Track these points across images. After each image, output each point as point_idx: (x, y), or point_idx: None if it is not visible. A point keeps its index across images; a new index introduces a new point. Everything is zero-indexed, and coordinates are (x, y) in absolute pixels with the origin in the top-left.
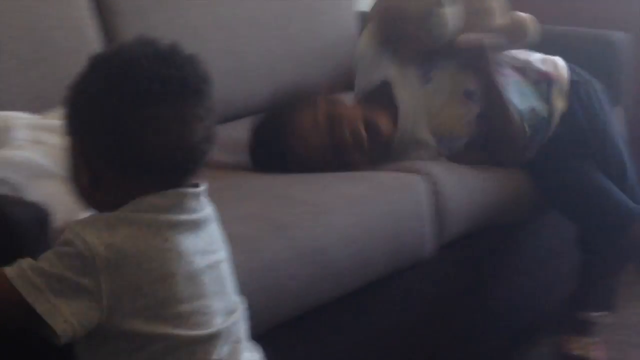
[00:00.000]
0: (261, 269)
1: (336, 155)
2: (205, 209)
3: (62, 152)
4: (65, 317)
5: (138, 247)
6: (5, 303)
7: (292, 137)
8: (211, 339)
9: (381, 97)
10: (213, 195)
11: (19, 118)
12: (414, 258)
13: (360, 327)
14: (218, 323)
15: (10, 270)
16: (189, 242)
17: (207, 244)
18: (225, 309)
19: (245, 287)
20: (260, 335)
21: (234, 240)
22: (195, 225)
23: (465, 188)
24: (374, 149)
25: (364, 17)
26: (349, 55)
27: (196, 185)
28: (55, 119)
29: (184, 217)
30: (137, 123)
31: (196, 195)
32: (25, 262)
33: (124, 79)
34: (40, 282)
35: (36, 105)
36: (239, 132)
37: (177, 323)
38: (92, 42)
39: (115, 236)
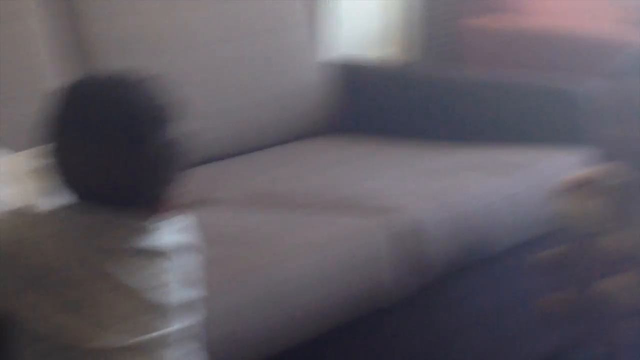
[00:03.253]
0: (220, 316)
1: None
2: (134, 243)
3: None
4: None
5: (43, 250)
6: None
7: None
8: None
9: None
10: None
11: None
12: (373, 306)
13: None
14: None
15: None
16: (98, 261)
17: (124, 272)
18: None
19: (209, 333)
20: None
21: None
22: (110, 251)
23: (443, 228)
24: None
25: (324, 68)
26: (310, 103)
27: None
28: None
29: (99, 240)
30: (56, 143)
31: (118, 225)
32: None
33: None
34: None
35: None
36: (207, 177)
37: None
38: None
39: (27, 234)
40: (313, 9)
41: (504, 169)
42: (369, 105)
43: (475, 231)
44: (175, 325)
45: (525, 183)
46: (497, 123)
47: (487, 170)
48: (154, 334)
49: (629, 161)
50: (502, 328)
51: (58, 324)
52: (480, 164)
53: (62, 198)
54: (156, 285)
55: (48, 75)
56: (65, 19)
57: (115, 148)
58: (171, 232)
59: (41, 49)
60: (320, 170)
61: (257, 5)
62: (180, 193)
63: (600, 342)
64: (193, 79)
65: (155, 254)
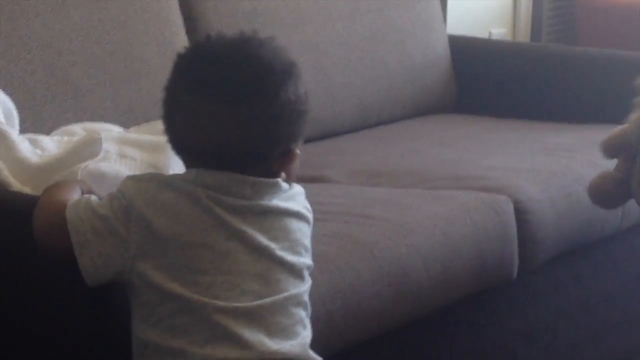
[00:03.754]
0: (343, 289)
1: None
2: (267, 200)
3: (145, 167)
4: (92, 255)
5: (174, 211)
6: (56, 227)
7: None
8: (230, 313)
9: None
10: None
11: (109, 130)
12: (499, 280)
13: (441, 349)
14: (244, 301)
15: (71, 200)
16: (231, 220)
17: (256, 230)
18: (259, 293)
19: (326, 307)
20: (340, 355)
21: (316, 259)
22: (242, 209)
23: (555, 211)
24: None
25: (453, 40)
26: (438, 78)
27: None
28: (142, 134)
29: (229, 199)
30: (172, 107)
31: (249, 183)
32: (87, 197)
33: (177, 73)
34: (85, 216)
35: (125, 120)
36: (324, 153)
37: (196, 290)
38: None
39: (158, 197)
40: None
41: None
42: (484, 82)
43: (585, 214)
44: (302, 288)
45: None
46: (613, 101)
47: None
48: (283, 295)
49: None
50: (606, 316)
51: (179, 290)
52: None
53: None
54: (288, 245)
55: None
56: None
57: (243, 103)
58: (297, 194)
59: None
60: (437, 147)
61: None
62: (298, 154)
63: None
64: (324, 53)
65: (287, 213)
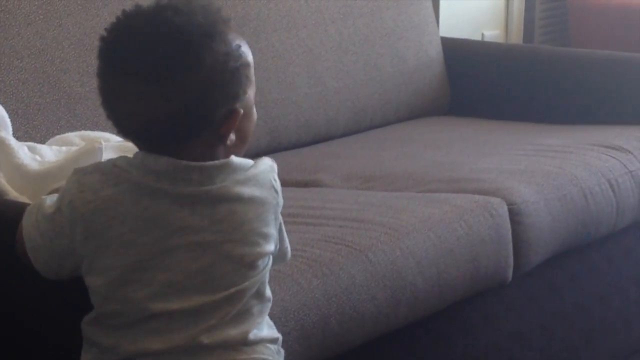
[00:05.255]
0: (338, 292)
1: None
2: (219, 183)
3: None
4: (45, 259)
5: (116, 210)
6: (19, 234)
7: None
8: (166, 313)
9: None
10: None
11: (107, 140)
12: (494, 283)
13: (437, 352)
14: (185, 300)
15: (31, 203)
16: (177, 214)
17: (205, 222)
18: (200, 290)
19: (322, 311)
20: (336, 359)
21: (311, 262)
22: (192, 198)
23: (549, 213)
24: None
25: (446, 43)
26: (431, 81)
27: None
28: None
29: (177, 187)
30: (105, 92)
31: (196, 168)
32: (42, 199)
33: (101, 56)
34: (37, 220)
35: None
36: (317, 157)
37: (134, 288)
38: None
39: (100, 194)
40: None
41: (615, 148)
42: (477, 84)
43: (579, 215)
44: (254, 279)
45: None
46: (606, 102)
47: (597, 151)
48: (228, 291)
49: None
50: (601, 317)
51: (117, 291)
52: (594, 143)
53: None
54: (240, 236)
55: None
56: None
57: (166, 77)
58: (260, 174)
59: None
60: (431, 150)
61: None
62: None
63: None
64: (317, 57)
65: (240, 200)
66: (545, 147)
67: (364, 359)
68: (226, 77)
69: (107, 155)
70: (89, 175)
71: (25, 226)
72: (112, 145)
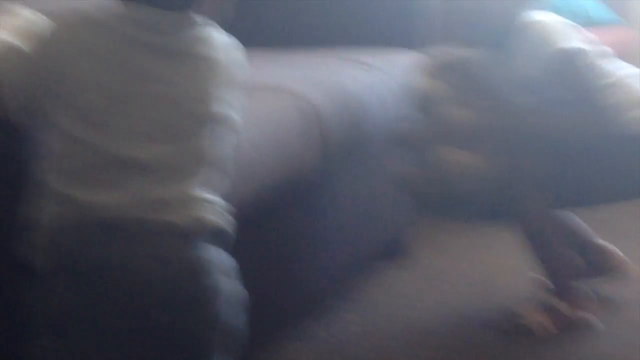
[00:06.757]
0: None
1: None
2: (182, 39)
3: None
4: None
5: (96, 56)
6: None
7: None
8: (128, 161)
9: None
10: None
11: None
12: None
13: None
14: (144, 148)
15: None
16: (152, 67)
17: (174, 76)
18: (161, 140)
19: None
20: None
21: None
22: (165, 51)
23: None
24: None
25: None
26: None
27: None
28: None
29: (156, 37)
30: None
31: (173, 17)
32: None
33: None
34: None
35: None
36: None
37: (97, 132)
38: None
39: (80, 37)
40: None
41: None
42: None
43: (359, 112)
44: (214, 140)
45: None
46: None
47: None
48: (191, 144)
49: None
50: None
51: (82, 136)
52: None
53: None
54: (200, 93)
55: None
56: None
57: None
58: (218, 36)
59: None
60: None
61: None
62: None
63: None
64: None
65: (204, 58)
66: (320, 61)
67: None
68: None
69: None
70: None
71: None
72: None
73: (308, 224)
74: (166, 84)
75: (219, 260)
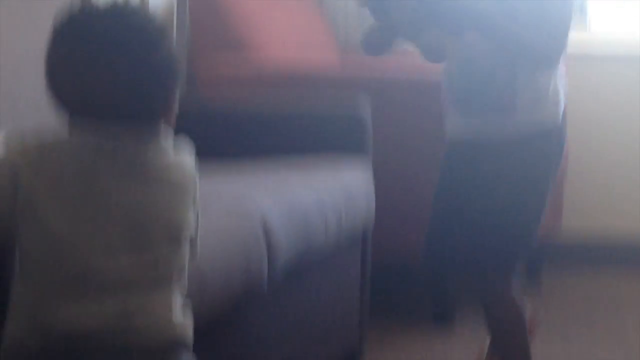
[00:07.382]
0: None
1: None
2: (152, 164)
3: None
4: None
5: (58, 179)
6: None
7: None
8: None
9: None
10: None
11: None
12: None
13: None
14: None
15: None
16: (113, 187)
17: (137, 194)
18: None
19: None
20: None
21: None
22: (128, 172)
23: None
24: None
25: None
26: None
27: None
28: None
29: (116, 159)
30: (52, 58)
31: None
32: None
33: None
34: None
35: None
36: None
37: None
38: None
39: (43, 158)
40: None
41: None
42: None
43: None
44: (184, 257)
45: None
46: None
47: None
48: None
49: None
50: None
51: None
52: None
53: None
54: (173, 216)
55: None
56: None
57: (129, 55)
58: (181, 162)
59: None
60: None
61: None
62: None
63: None
64: None
65: (168, 181)
66: (267, 174)
67: None
68: (175, 70)
69: None
70: (30, 142)
71: None
72: None
73: (258, 336)
74: (130, 202)
75: None
